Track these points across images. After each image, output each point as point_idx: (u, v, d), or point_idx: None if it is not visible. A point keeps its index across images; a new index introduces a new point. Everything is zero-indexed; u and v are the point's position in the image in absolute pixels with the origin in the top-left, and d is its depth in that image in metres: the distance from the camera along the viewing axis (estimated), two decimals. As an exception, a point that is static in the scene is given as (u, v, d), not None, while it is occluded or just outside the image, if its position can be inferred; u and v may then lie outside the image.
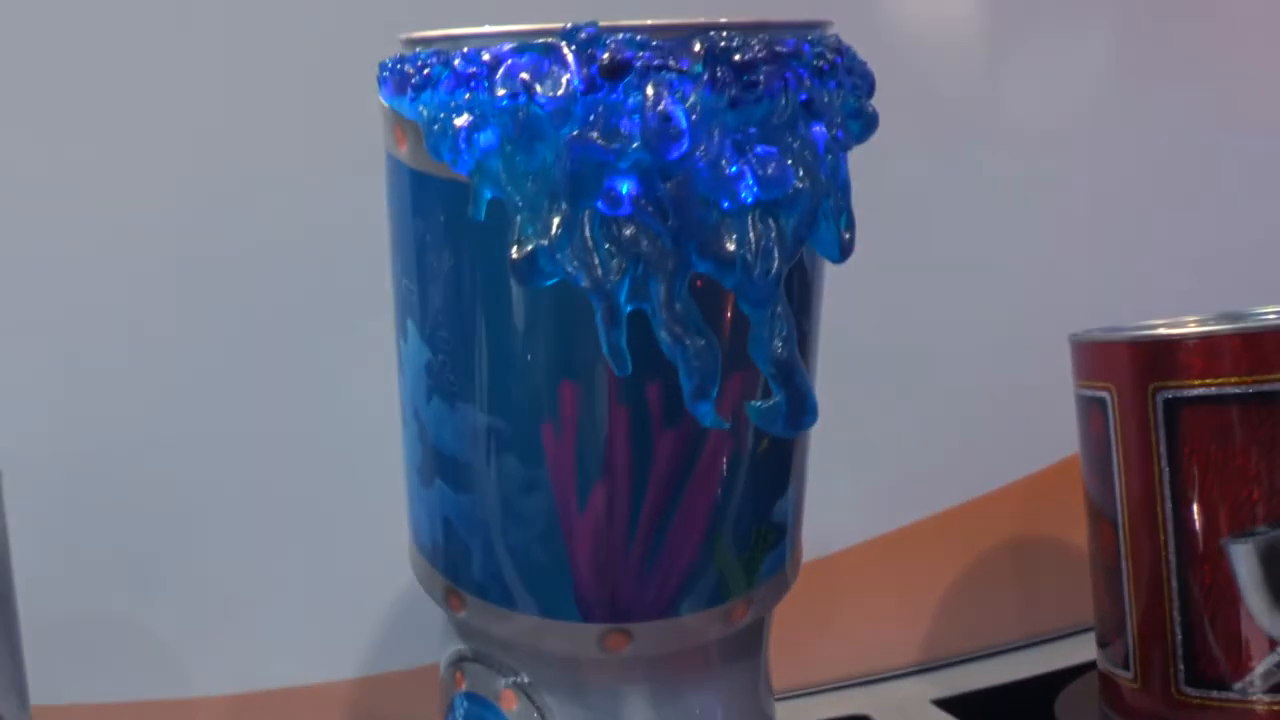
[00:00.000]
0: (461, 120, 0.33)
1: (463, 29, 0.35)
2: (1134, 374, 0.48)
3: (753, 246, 0.32)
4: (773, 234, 0.32)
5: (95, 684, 0.55)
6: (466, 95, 0.33)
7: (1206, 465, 0.46)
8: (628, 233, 0.31)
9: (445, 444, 0.39)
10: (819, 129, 0.33)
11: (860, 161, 0.63)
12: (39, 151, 0.54)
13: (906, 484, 0.68)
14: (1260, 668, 0.45)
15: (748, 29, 0.33)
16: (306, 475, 0.58)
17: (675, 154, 0.31)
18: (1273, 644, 0.45)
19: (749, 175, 0.32)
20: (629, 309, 0.32)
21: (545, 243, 0.32)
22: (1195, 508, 0.47)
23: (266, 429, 0.57)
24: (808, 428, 0.34)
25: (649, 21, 0.32)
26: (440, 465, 0.39)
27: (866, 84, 0.36)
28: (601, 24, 0.32)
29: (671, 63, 0.31)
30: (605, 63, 0.31)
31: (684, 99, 0.31)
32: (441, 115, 0.33)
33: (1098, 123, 0.72)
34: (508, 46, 0.33)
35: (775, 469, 0.40)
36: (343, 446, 0.58)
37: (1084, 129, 0.72)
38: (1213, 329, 0.49)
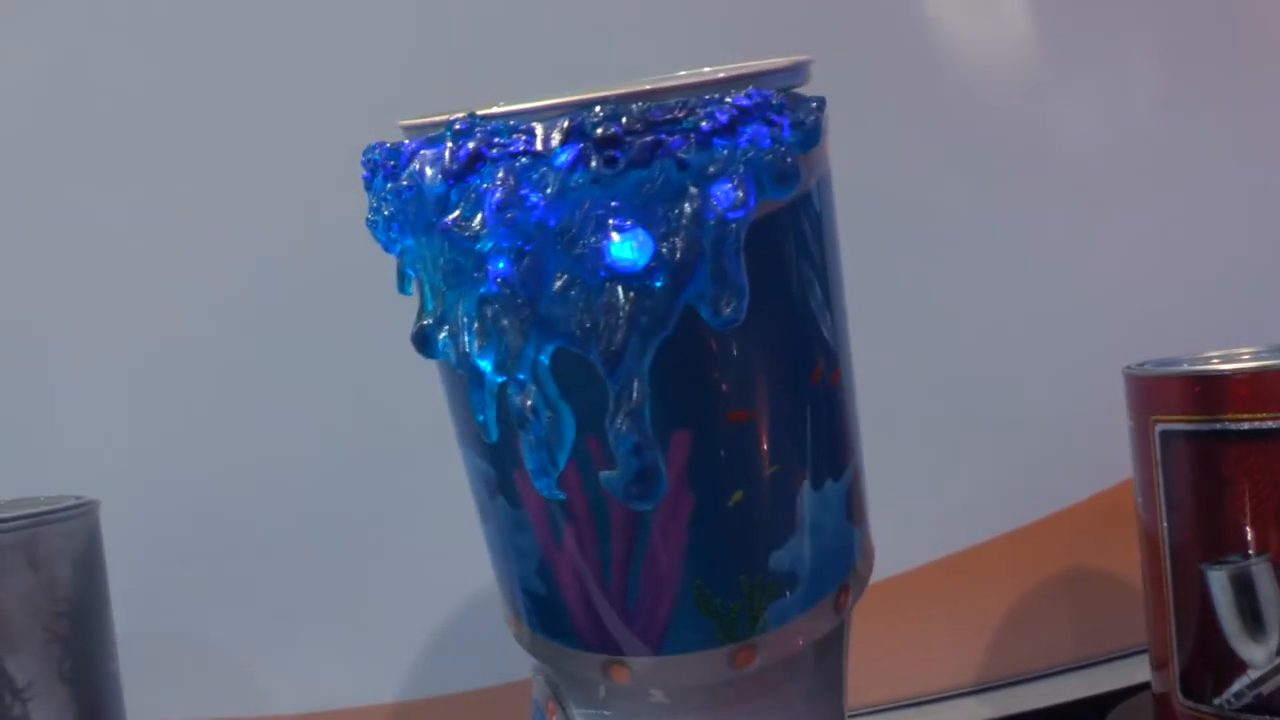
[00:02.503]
0: (388, 209, 0.36)
1: (420, 119, 0.38)
2: (1138, 408, 0.51)
3: (600, 322, 0.33)
4: (623, 308, 0.33)
5: (176, 702, 0.57)
6: (389, 185, 0.36)
7: (1192, 495, 0.49)
8: (490, 311, 0.33)
9: (472, 485, 0.42)
10: (717, 190, 0.33)
11: (916, 194, 0.65)
12: (122, 199, 0.57)
13: (962, 510, 0.69)
14: (1234, 688, 0.48)
15: (633, 97, 0.34)
16: (379, 500, 0.60)
17: (526, 233, 0.33)
18: (1244, 667, 0.47)
19: (605, 250, 0.32)
20: (500, 380, 0.34)
21: (430, 321, 0.35)
22: (1185, 535, 0.49)
23: (339, 457, 0.59)
24: (650, 502, 0.34)
25: (527, 105, 0.35)
26: (475, 503, 0.42)
27: (801, 134, 0.35)
28: (480, 111, 0.35)
29: (528, 146, 0.33)
30: (471, 150, 0.34)
31: (543, 179, 0.33)
32: (375, 203, 0.37)
33: (1148, 151, 0.73)
34: (420, 139, 0.36)
35: (764, 522, 0.39)
36: (415, 473, 0.59)
37: (1135, 157, 0.73)
38: (1204, 369, 0.50)
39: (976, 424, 0.69)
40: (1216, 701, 0.48)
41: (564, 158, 0.33)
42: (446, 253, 0.34)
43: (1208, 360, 0.52)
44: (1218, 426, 0.48)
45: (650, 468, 0.34)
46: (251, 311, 0.59)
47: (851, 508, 0.41)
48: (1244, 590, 0.47)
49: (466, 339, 0.34)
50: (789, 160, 0.34)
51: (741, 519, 0.38)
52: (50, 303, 0.58)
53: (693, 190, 0.33)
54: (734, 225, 0.33)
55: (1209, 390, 0.48)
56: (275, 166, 0.59)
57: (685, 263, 0.32)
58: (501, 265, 0.33)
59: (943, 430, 0.68)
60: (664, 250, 0.32)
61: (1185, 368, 0.51)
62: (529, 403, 0.34)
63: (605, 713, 0.42)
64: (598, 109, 0.33)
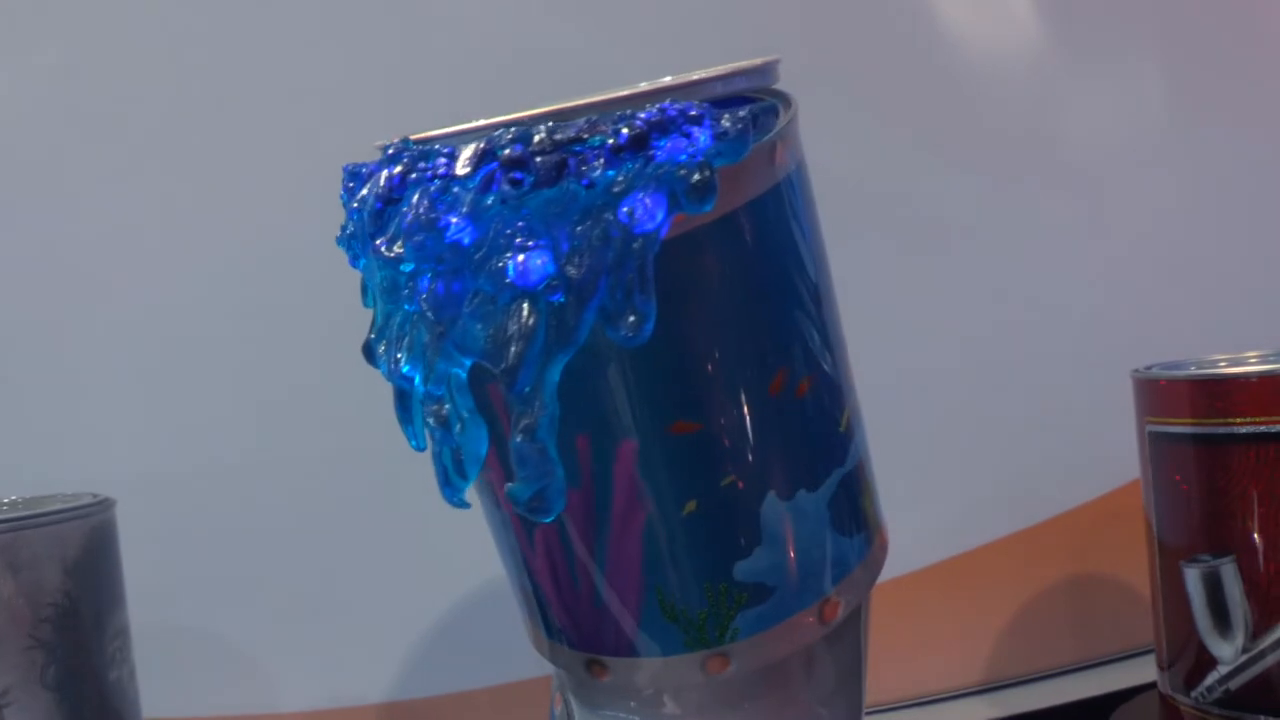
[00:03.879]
0: (350, 227, 0.38)
1: (388, 140, 0.39)
2: (1136, 410, 0.52)
3: (501, 338, 0.33)
4: (524, 325, 0.33)
5: (189, 698, 0.58)
6: (351, 204, 0.38)
7: (1173, 495, 0.50)
8: (414, 327, 0.35)
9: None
10: (624, 207, 0.33)
11: (924, 197, 0.65)
12: (140, 200, 0.58)
13: (969, 512, 0.70)
14: (1206, 682, 0.49)
15: (544, 117, 0.35)
16: (393, 498, 0.60)
17: (438, 255, 0.34)
18: (1215, 662, 0.49)
19: (510, 269, 0.33)
20: (422, 393, 0.35)
21: (374, 335, 0.36)
22: (1169, 535, 0.51)
23: (353, 455, 0.60)
24: (548, 516, 0.34)
25: (454, 129, 0.36)
26: None
27: (724, 144, 0.35)
28: (414, 136, 0.37)
29: (447, 169, 0.35)
30: (399, 174, 0.36)
31: (457, 201, 0.34)
32: (344, 221, 0.39)
33: (1159, 153, 0.74)
34: (376, 161, 0.38)
35: (723, 533, 0.39)
36: (429, 472, 0.60)
37: (1145, 160, 0.73)
38: (1193, 374, 0.51)
39: (984, 426, 0.69)
40: (1193, 695, 0.50)
41: (476, 180, 0.34)
42: (382, 270, 0.35)
43: (1215, 364, 0.53)
44: (1189, 430, 0.49)
45: (545, 484, 0.34)
46: (264, 312, 0.60)
47: (838, 519, 0.41)
48: (1213, 589, 0.48)
49: (396, 353, 0.35)
50: (703, 173, 0.33)
51: (698, 529, 0.38)
52: (66, 303, 0.59)
53: (599, 208, 0.33)
54: (639, 242, 0.33)
55: (1181, 395, 0.50)
56: (291, 170, 0.60)
57: (587, 280, 0.33)
58: (424, 284, 0.34)
59: (950, 432, 0.69)
60: (567, 268, 0.33)
61: (1165, 371, 0.52)
62: (443, 416, 0.34)
63: (604, 710, 0.42)
64: (506, 132, 0.34)
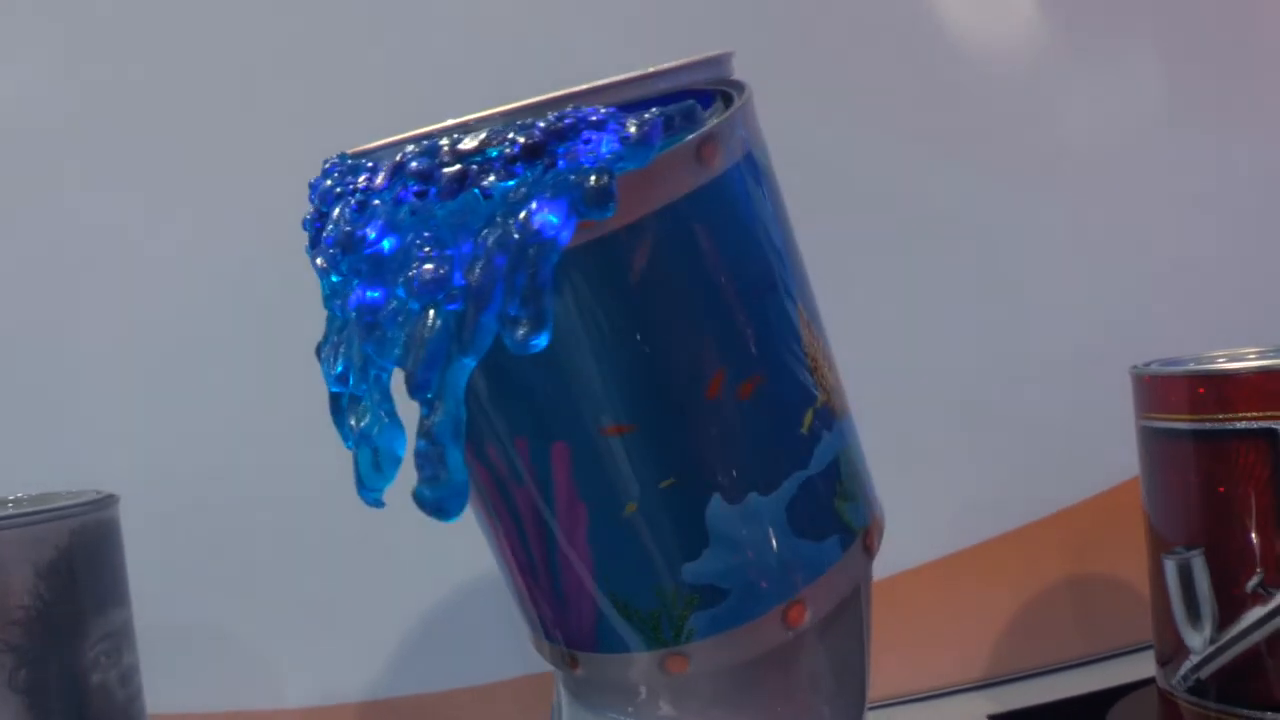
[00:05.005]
0: (310, 236, 0.40)
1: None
2: (1133, 406, 0.53)
3: (407, 345, 0.34)
4: (426, 332, 0.34)
5: (194, 694, 0.58)
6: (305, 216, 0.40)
7: (1159, 489, 0.52)
8: (343, 333, 0.36)
9: None
10: (521, 216, 0.33)
11: (923, 195, 0.66)
12: (143, 200, 0.59)
13: (969, 508, 0.70)
14: (1181, 671, 0.50)
15: (454, 129, 0.36)
16: (399, 495, 0.60)
17: (357, 265, 0.35)
18: (1188, 652, 0.50)
19: (415, 279, 0.34)
20: (360, 394, 0.36)
21: (322, 339, 0.37)
22: (1155, 528, 0.52)
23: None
24: (449, 517, 0.35)
25: (384, 141, 0.37)
26: None
27: (629, 148, 0.34)
28: (351, 150, 0.38)
29: (369, 182, 0.36)
30: (329, 187, 0.37)
31: (374, 214, 0.35)
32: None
33: (1156, 151, 0.74)
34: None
35: (666, 534, 0.39)
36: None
37: (1143, 158, 0.73)
38: (1179, 369, 0.52)
39: (984, 422, 0.70)
40: (1172, 683, 0.51)
41: (390, 193, 0.35)
42: (321, 279, 0.37)
43: (1213, 360, 0.53)
44: (1187, 426, 0.49)
45: (444, 487, 0.34)
46: (267, 310, 0.60)
47: (799, 523, 0.40)
48: (1186, 580, 0.49)
49: (333, 356, 0.36)
50: (600, 179, 0.33)
51: (640, 530, 0.38)
52: (65, 302, 0.60)
53: (498, 217, 0.33)
54: (534, 250, 0.33)
55: (1179, 391, 0.50)
56: (294, 169, 0.60)
57: (483, 288, 0.33)
58: (352, 293, 0.35)
59: (950, 428, 0.69)
60: (467, 276, 0.33)
61: (1164, 367, 0.53)
62: (363, 417, 0.35)
63: (586, 700, 0.43)
64: (416, 145, 0.35)
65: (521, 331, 0.33)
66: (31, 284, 0.59)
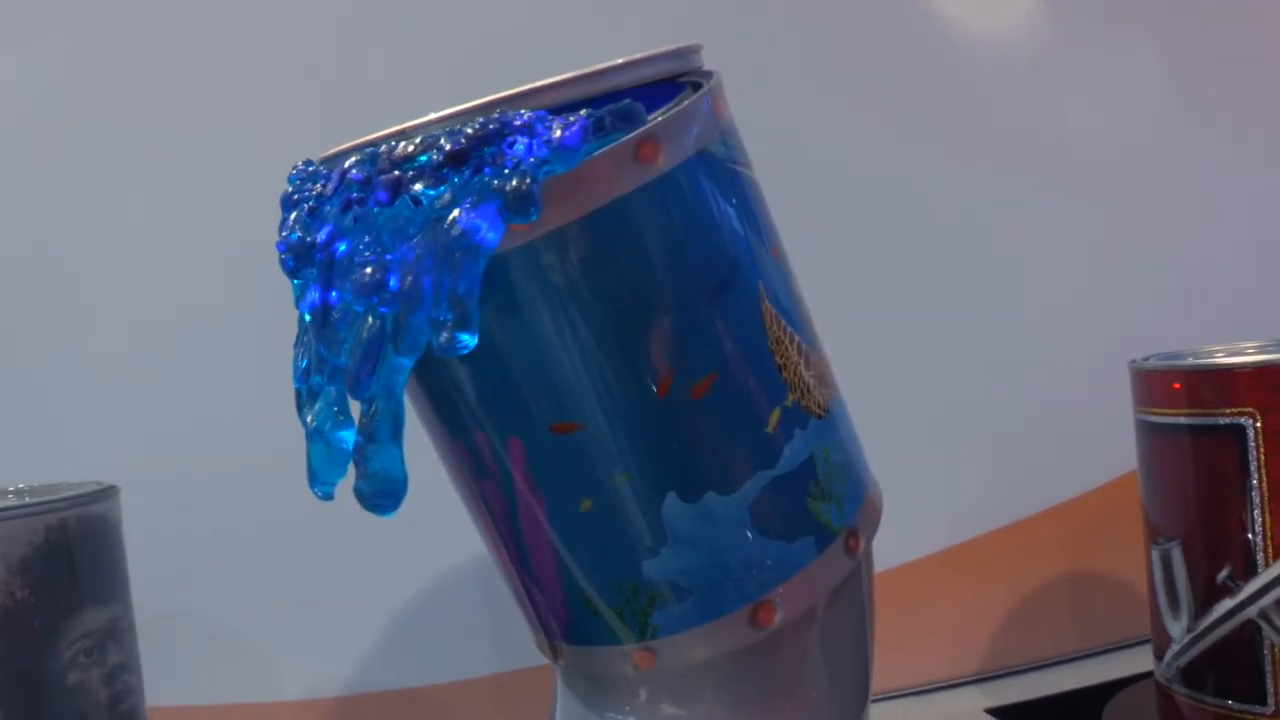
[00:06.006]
0: None
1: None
2: (1135, 400, 0.53)
3: (347, 346, 0.35)
4: (362, 334, 0.34)
5: (191, 687, 0.58)
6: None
7: (1151, 481, 0.52)
8: (303, 334, 0.37)
9: None
10: (450, 221, 0.34)
11: (921, 190, 0.66)
12: (146, 197, 0.59)
13: (966, 503, 0.70)
14: (1165, 659, 0.51)
15: (389, 137, 0.36)
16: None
17: (309, 269, 0.36)
18: (1169, 640, 0.50)
19: (355, 283, 0.34)
20: (318, 392, 0.37)
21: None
22: (1147, 520, 0.52)
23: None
24: (385, 512, 0.35)
25: (348, 145, 0.38)
26: None
27: (552, 150, 0.34)
28: (321, 155, 0.39)
29: (323, 189, 0.37)
30: (289, 193, 0.38)
31: (324, 219, 0.36)
32: None
33: (1156, 148, 0.74)
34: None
35: (621, 531, 0.39)
36: (434, 461, 0.60)
37: (1143, 154, 0.73)
38: (1173, 365, 0.52)
39: (981, 417, 0.70)
40: (1159, 670, 0.52)
41: (336, 200, 0.36)
42: (291, 280, 0.37)
43: (1211, 355, 0.53)
44: (1184, 420, 0.50)
45: (380, 483, 0.35)
46: (267, 306, 0.59)
47: (765, 522, 0.39)
48: (1167, 570, 0.50)
49: (299, 355, 0.37)
50: (521, 183, 0.33)
51: (596, 526, 0.39)
52: (66, 301, 0.59)
53: (431, 222, 0.34)
54: (460, 254, 0.33)
55: (1177, 385, 0.50)
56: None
57: (412, 292, 0.33)
58: (310, 295, 0.36)
59: (948, 423, 0.69)
60: (396, 281, 0.34)
61: (1162, 361, 0.53)
62: (319, 415, 0.36)
63: (575, 689, 0.44)
64: (359, 153, 0.36)
65: (445, 335, 0.33)
66: (32, 281, 0.59)
